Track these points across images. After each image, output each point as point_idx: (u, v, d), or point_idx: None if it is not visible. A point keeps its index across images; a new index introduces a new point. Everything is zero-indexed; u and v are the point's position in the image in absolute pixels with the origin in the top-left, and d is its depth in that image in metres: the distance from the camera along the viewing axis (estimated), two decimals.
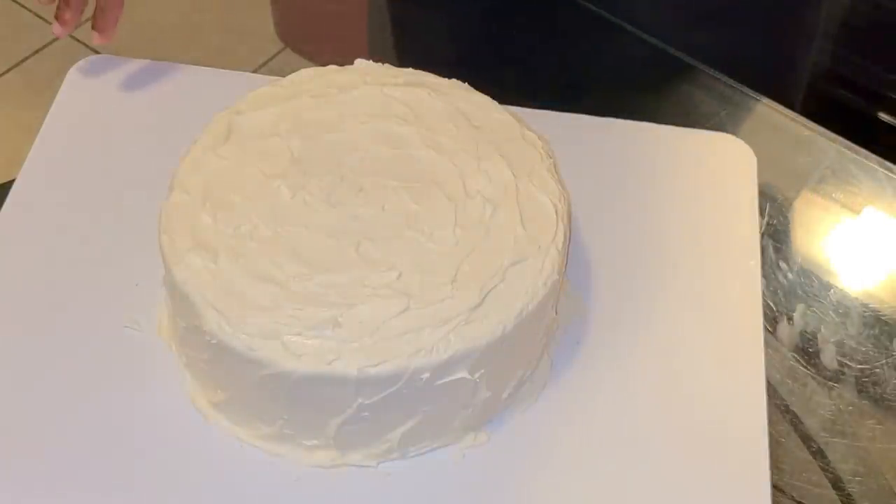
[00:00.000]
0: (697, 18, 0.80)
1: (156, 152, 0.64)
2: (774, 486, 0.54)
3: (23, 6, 1.70)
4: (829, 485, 0.64)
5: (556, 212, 0.56)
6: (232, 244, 0.54)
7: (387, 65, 0.63)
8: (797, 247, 0.72)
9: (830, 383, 0.67)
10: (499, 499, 0.54)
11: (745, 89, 0.78)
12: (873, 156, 0.76)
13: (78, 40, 1.65)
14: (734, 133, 0.69)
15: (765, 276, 0.62)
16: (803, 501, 0.62)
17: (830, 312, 0.70)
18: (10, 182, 0.64)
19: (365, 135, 0.59)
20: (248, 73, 0.72)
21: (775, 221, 0.72)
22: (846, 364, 0.68)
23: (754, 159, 0.68)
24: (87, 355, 0.57)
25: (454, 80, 0.63)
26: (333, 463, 0.54)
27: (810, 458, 0.65)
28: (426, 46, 0.86)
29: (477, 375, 0.52)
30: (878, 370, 0.68)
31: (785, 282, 0.70)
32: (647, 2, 0.81)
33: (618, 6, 0.80)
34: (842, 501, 0.63)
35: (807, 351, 0.68)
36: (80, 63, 0.71)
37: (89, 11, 0.68)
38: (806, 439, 0.66)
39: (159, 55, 0.72)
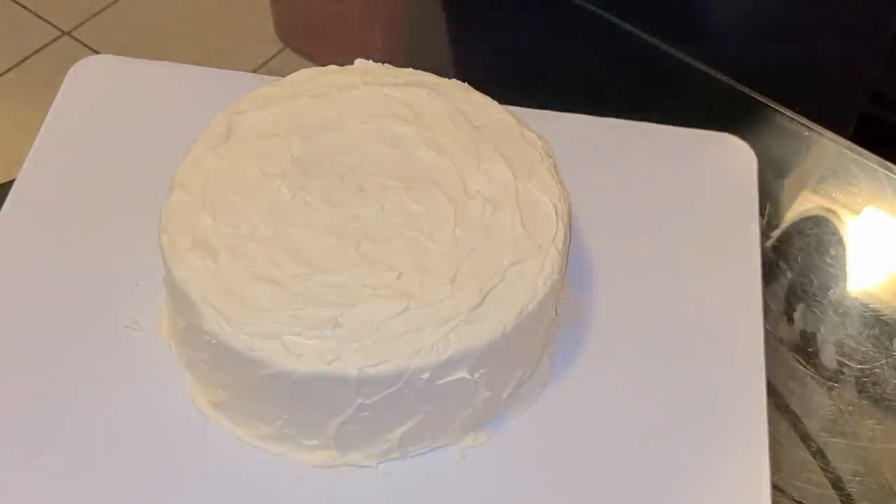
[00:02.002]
0: (763, 37, 0.79)
1: (156, 152, 0.64)
2: (774, 486, 0.54)
3: (23, 6, 1.70)
4: (829, 485, 0.64)
5: (556, 212, 0.56)
6: (232, 244, 0.54)
7: (387, 65, 0.63)
8: (797, 247, 0.72)
9: (830, 383, 0.67)
10: (499, 499, 0.54)
11: (745, 89, 0.78)
12: (873, 156, 0.76)
13: (78, 40, 1.65)
14: (734, 133, 0.69)
15: (765, 276, 0.62)
16: (803, 501, 0.62)
17: (830, 312, 0.70)
18: (10, 182, 0.64)
19: (365, 135, 0.59)
20: (248, 73, 0.72)
21: (775, 221, 0.72)
22: (846, 364, 0.68)
23: (754, 159, 0.68)
24: (87, 355, 0.57)
25: (454, 80, 0.63)
26: (333, 463, 0.54)
27: (810, 458, 0.65)
28: (484, 56, 0.86)
29: (477, 375, 0.52)
30: (878, 370, 0.68)
31: (785, 282, 0.70)
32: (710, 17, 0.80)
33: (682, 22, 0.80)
34: (842, 501, 0.63)
35: (807, 351, 0.68)
36: (80, 63, 0.71)
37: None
38: (806, 439, 0.66)
39: (159, 55, 0.72)
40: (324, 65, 0.63)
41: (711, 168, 0.68)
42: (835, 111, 0.82)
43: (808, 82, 0.81)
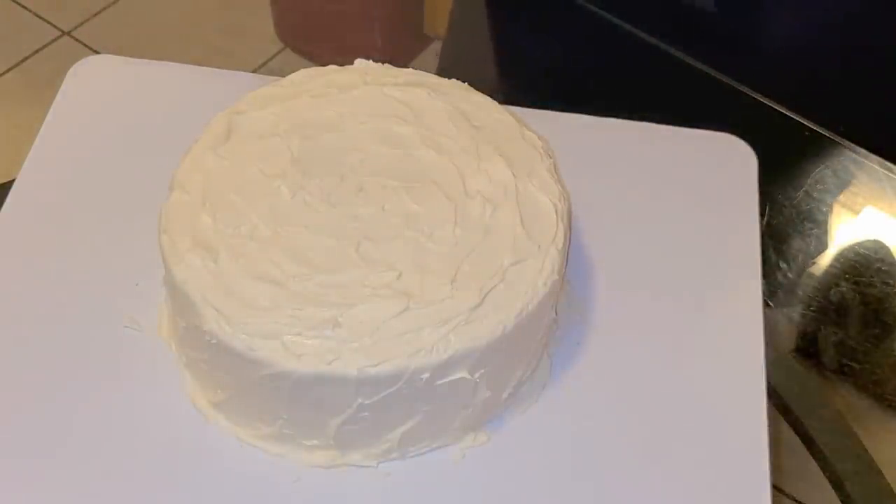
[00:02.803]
0: (807, 61, 0.79)
1: (156, 152, 0.64)
2: (774, 486, 0.54)
3: (23, 6, 1.70)
4: (829, 485, 0.64)
5: (556, 212, 0.56)
6: (232, 244, 0.54)
7: (387, 65, 0.63)
8: (797, 247, 0.72)
9: (831, 384, 0.67)
10: (499, 499, 0.54)
11: (746, 89, 0.78)
12: (873, 156, 0.76)
13: (78, 40, 1.65)
14: (734, 133, 0.69)
15: (765, 276, 0.62)
16: (803, 501, 0.62)
17: (830, 312, 0.70)
18: (10, 182, 0.64)
19: (365, 135, 0.59)
20: (248, 73, 0.72)
21: (775, 221, 0.72)
22: (846, 364, 0.68)
23: (754, 159, 0.68)
24: (87, 355, 0.57)
25: (454, 80, 0.63)
26: (333, 463, 0.54)
27: (810, 458, 0.65)
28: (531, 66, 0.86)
29: (477, 375, 0.52)
30: (878, 370, 0.68)
31: (785, 282, 0.70)
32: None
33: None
34: (842, 501, 0.64)
35: (807, 351, 0.68)
36: (80, 63, 0.71)
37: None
38: (806, 439, 0.66)
39: (159, 55, 0.72)
40: (324, 65, 0.63)
41: (711, 168, 0.68)
42: (878, 131, 0.81)
43: (853, 104, 0.80)
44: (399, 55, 1.55)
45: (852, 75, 0.79)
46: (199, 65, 0.71)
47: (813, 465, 0.65)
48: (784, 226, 0.73)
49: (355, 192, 0.56)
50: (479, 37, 0.90)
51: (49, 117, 0.68)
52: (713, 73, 0.79)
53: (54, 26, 1.67)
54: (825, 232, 0.75)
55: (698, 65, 0.79)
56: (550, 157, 0.60)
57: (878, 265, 0.73)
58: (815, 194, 0.75)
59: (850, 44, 0.78)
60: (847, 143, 0.76)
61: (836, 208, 0.75)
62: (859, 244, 0.74)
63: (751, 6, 0.78)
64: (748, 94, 0.78)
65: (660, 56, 0.80)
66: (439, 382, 0.52)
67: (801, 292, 0.70)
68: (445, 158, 0.58)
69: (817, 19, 0.77)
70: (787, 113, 0.77)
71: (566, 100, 0.69)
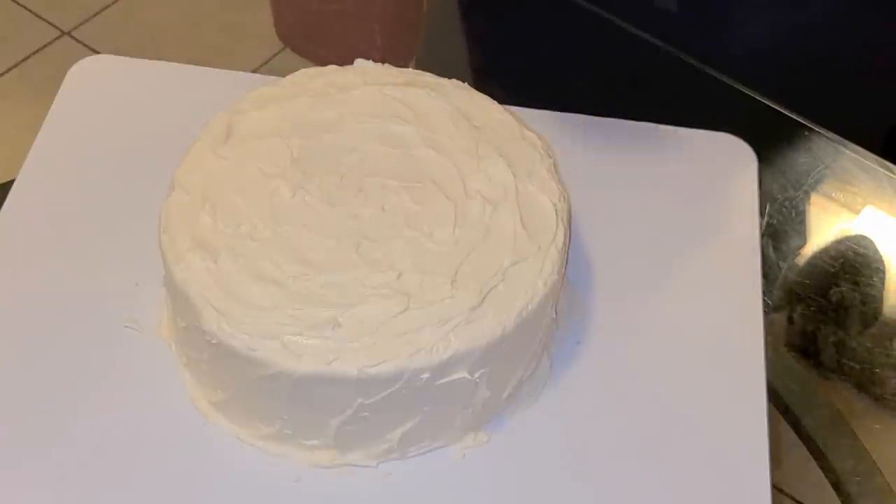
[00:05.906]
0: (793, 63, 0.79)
1: (156, 152, 0.64)
2: (774, 486, 0.54)
3: (23, 6, 1.70)
4: (829, 485, 0.64)
5: (556, 212, 0.56)
6: (232, 244, 0.54)
7: (387, 65, 0.63)
8: (797, 247, 0.72)
9: (830, 383, 0.67)
10: (499, 499, 0.54)
11: (746, 89, 0.78)
12: (873, 156, 0.76)
13: (78, 40, 1.65)
14: (734, 133, 0.69)
15: (765, 276, 0.62)
16: (803, 501, 0.62)
17: (830, 312, 0.70)
18: (10, 182, 0.64)
19: (365, 135, 0.59)
20: (248, 73, 0.72)
21: (775, 221, 0.72)
22: (845, 364, 0.68)
23: (754, 159, 0.68)
24: (87, 355, 0.57)
25: (454, 80, 0.63)
26: (333, 463, 0.54)
27: (810, 458, 0.65)
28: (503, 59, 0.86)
29: (477, 375, 0.52)
30: (878, 370, 0.68)
31: (785, 282, 0.70)
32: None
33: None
34: (842, 501, 0.64)
35: (807, 351, 0.68)
36: (80, 63, 0.71)
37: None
38: (806, 439, 0.66)
39: (159, 55, 0.72)
40: (324, 65, 0.63)
41: (711, 168, 0.68)
42: (864, 126, 0.81)
43: (839, 100, 0.80)
44: (399, 55, 1.55)
45: (826, 80, 0.79)
46: (199, 65, 0.71)
47: (813, 465, 0.65)
48: (784, 226, 0.73)
49: (355, 192, 0.56)
50: (457, 37, 0.90)
51: (49, 117, 0.67)
52: (713, 72, 0.78)
53: (54, 26, 1.67)
54: (825, 232, 0.75)
55: (698, 65, 0.79)
56: (550, 157, 0.60)
57: (878, 265, 0.73)
58: (815, 194, 0.75)
59: (821, 49, 0.78)
60: (847, 142, 0.76)
61: (836, 208, 0.75)
62: (859, 244, 0.74)
63: (714, 9, 0.77)
64: (748, 94, 0.78)
65: (660, 56, 0.80)
66: (439, 382, 0.52)
67: (800, 292, 0.70)
68: (445, 158, 0.58)
69: (786, 23, 0.77)
70: (787, 113, 0.77)
71: (558, 101, 0.69)
